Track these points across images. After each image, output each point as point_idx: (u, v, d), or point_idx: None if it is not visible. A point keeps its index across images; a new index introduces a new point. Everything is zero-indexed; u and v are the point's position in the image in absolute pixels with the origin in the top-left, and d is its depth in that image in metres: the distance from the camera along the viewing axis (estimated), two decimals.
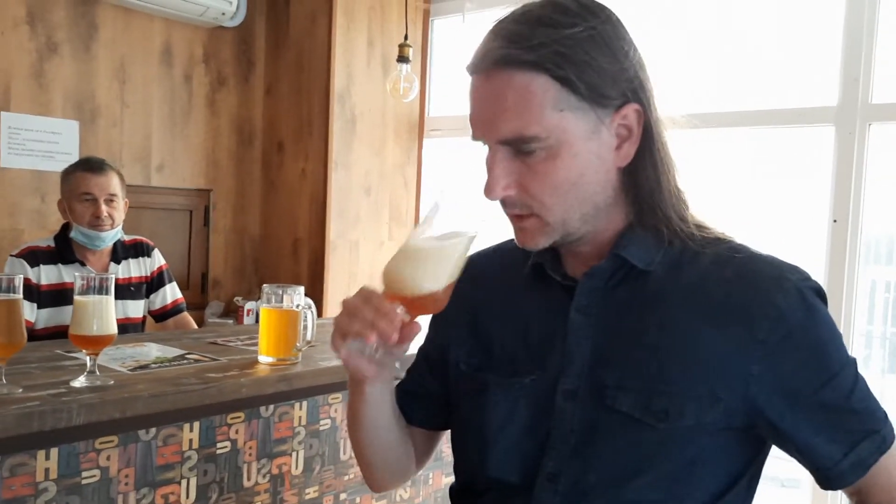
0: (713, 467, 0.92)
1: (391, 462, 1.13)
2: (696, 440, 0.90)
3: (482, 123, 0.92)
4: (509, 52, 0.87)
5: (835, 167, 2.99)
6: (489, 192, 0.92)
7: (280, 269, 4.04)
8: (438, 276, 0.90)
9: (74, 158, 3.30)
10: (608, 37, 0.89)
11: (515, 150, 0.90)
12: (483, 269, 1.11)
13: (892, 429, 0.93)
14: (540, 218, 0.92)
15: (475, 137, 0.94)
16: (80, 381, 1.38)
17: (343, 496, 1.86)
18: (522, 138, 0.88)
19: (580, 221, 0.93)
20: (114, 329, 1.39)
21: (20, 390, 1.31)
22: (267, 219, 4.14)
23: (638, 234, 0.96)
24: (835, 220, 2.97)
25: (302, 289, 1.68)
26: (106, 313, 1.37)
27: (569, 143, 0.89)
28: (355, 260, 3.95)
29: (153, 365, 1.60)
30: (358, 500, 1.90)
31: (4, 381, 1.30)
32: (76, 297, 1.37)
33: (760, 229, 2.97)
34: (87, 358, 1.40)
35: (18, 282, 1.29)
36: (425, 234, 0.92)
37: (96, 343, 1.38)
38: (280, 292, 1.64)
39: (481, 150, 0.95)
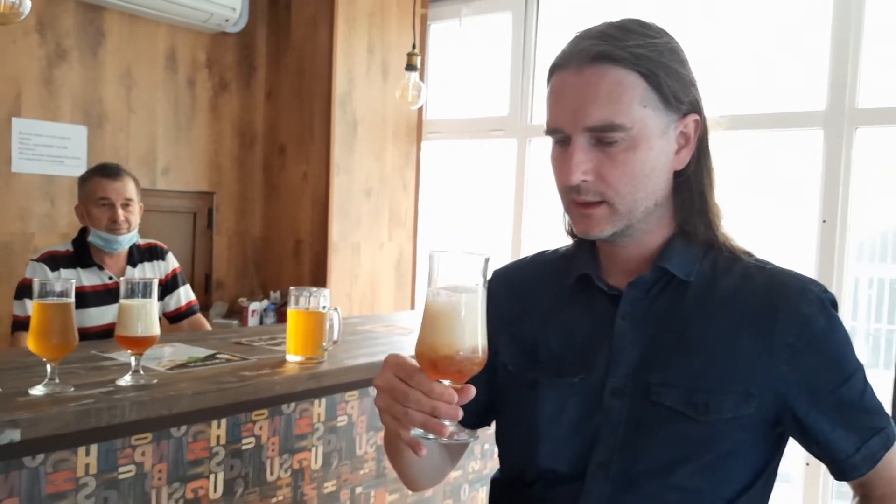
0: (745, 459, 1.01)
1: (431, 472, 1.20)
2: (732, 433, 0.99)
3: (570, 112, 0.98)
4: (605, 49, 0.97)
5: (824, 169, 3.11)
6: (568, 176, 0.98)
7: (282, 270, 4.11)
8: (479, 339, 0.87)
9: (83, 163, 3.36)
10: (681, 52, 1.02)
11: (596, 140, 0.98)
12: (521, 279, 1.19)
13: (893, 427, 1.04)
14: (610, 206, 0.99)
15: (554, 128, 1.01)
16: (125, 380, 1.45)
17: (359, 490, 1.92)
18: (611, 125, 0.96)
19: (642, 215, 1.02)
20: (157, 330, 1.46)
21: (72, 389, 1.38)
22: (268, 221, 4.21)
23: (680, 245, 1.06)
24: (824, 221, 3.08)
25: (328, 291, 1.75)
26: (150, 315, 1.44)
27: (647, 138, 0.98)
28: (357, 261, 4.03)
29: (190, 364, 1.67)
30: (373, 493, 1.96)
31: (58, 380, 1.38)
32: (122, 301, 1.44)
33: (753, 230, 3.07)
34: (132, 358, 1.47)
35: (70, 287, 1.36)
36: (444, 291, 0.86)
37: (141, 344, 1.45)
38: (308, 294, 1.71)
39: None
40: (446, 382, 0.86)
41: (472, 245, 4.25)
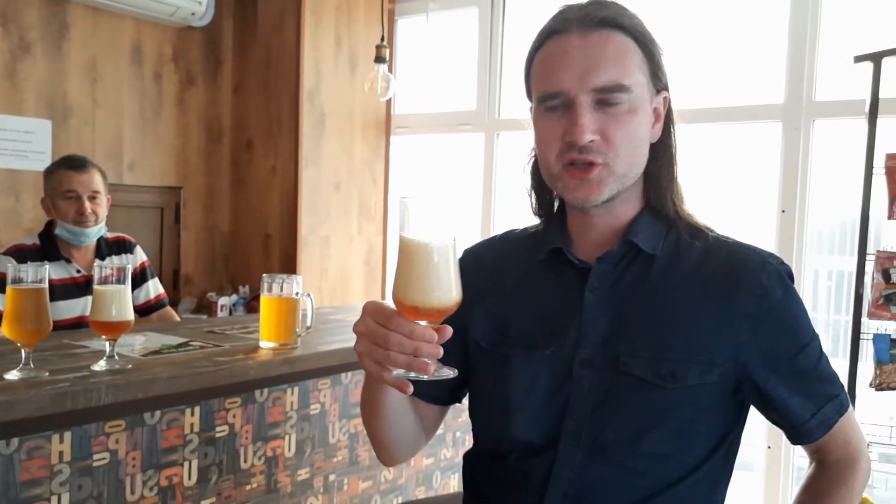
0: (708, 425, 1.06)
1: (405, 440, 1.21)
2: (696, 400, 1.04)
3: (577, 74, 1.01)
4: (609, 15, 1.02)
5: (782, 160, 3.19)
6: (581, 135, 1.00)
7: (251, 265, 4.11)
8: (453, 280, 0.89)
9: (48, 157, 3.33)
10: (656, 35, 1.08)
11: (598, 102, 1.01)
12: (491, 256, 1.22)
13: (847, 396, 1.10)
14: (608, 167, 1.03)
15: (554, 91, 1.03)
16: (100, 365, 1.46)
17: (332, 477, 1.94)
18: (620, 86, 1.01)
19: (630, 181, 1.07)
20: (131, 316, 1.47)
21: (47, 374, 1.39)
22: (237, 216, 4.20)
23: (647, 220, 1.10)
24: (783, 211, 3.17)
25: (301, 277, 1.77)
26: (124, 301, 1.45)
27: (642, 103, 1.04)
28: (326, 255, 4.04)
29: (163, 351, 1.68)
30: (346, 480, 1.99)
31: (32, 365, 1.38)
32: (95, 287, 1.44)
33: (714, 219, 3.15)
34: (106, 343, 1.48)
35: (45, 273, 1.37)
36: (418, 234, 0.89)
37: (115, 329, 1.46)
38: (280, 281, 1.73)
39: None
40: (423, 324, 0.88)
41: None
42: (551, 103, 1.04)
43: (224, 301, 3.81)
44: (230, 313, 3.82)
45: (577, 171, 1.04)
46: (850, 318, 2.89)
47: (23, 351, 1.38)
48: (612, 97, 1.01)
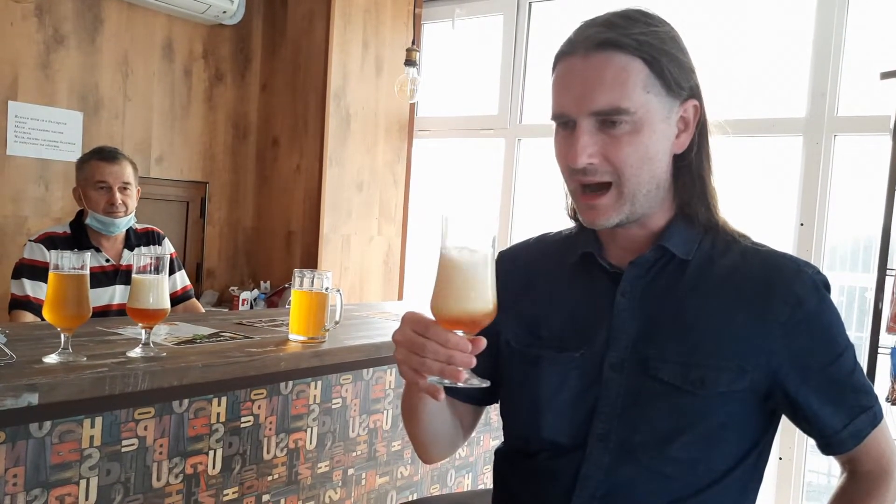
0: (738, 431, 1.07)
1: (443, 440, 1.24)
2: (726, 406, 1.04)
3: (576, 97, 1.02)
4: (610, 36, 1.01)
5: (802, 174, 3.21)
6: (575, 159, 1.02)
7: (273, 261, 4.16)
8: (489, 292, 0.93)
9: (78, 148, 3.39)
10: (680, 40, 1.07)
11: (601, 123, 1.02)
12: (526, 259, 1.24)
13: (881, 407, 1.10)
14: (616, 189, 1.04)
15: (559, 113, 1.05)
16: (136, 352, 1.49)
17: (351, 471, 1.97)
18: (617, 109, 1.00)
19: (644, 199, 1.06)
20: (167, 304, 1.51)
21: (85, 359, 1.43)
22: (260, 212, 4.25)
23: (680, 226, 1.10)
24: (802, 224, 3.18)
25: (330, 273, 1.81)
26: (161, 290, 1.49)
27: (650, 122, 1.02)
28: (347, 254, 4.08)
29: (196, 340, 1.72)
30: (364, 474, 2.01)
31: (70, 349, 1.42)
32: (134, 276, 1.48)
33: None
34: (142, 331, 1.51)
35: (86, 259, 1.41)
36: (457, 248, 0.93)
37: (152, 317, 1.50)
38: (311, 276, 1.76)
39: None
40: (460, 333, 0.92)
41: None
42: (561, 122, 1.06)
43: (245, 295, 3.86)
44: (251, 307, 3.87)
45: (586, 197, 1.06)
46: (860, 333, 2.90)
47: (62, 335, 1.41)
48: (612, 119, 1.01)
